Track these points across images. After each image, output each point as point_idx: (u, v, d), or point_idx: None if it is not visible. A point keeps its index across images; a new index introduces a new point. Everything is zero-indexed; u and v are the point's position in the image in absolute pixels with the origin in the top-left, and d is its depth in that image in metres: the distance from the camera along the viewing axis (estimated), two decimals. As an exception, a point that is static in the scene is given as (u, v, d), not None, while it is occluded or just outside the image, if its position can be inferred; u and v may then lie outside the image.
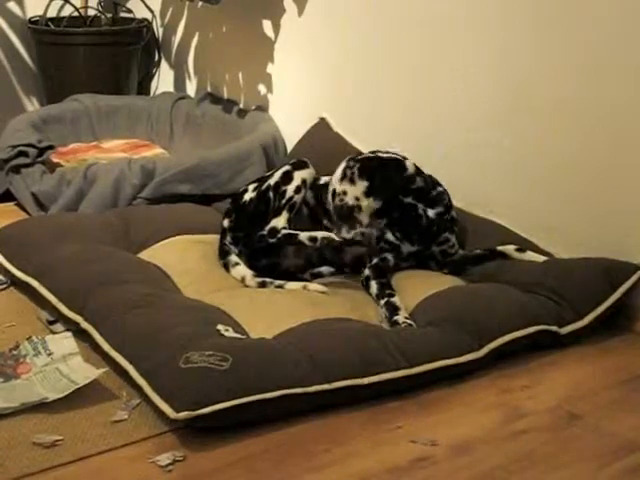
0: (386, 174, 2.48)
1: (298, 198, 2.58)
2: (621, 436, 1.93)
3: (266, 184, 2.63)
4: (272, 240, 2.52)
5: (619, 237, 2.48)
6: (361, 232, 2.46)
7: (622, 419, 2.00)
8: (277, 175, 2.63)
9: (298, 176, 2.60)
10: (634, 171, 2.42)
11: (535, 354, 2.26)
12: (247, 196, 2.65)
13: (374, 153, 2.54)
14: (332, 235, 2.46)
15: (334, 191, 2.48)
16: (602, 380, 2.18)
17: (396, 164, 2.51)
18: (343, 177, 2.47)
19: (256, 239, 2.54)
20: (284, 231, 2.52)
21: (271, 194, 2.60)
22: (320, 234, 2.47)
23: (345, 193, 2.46)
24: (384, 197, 2.47)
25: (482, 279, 2.50)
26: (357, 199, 2.46)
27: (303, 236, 2.48)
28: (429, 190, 2.55)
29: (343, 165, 2.49)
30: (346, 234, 2.45)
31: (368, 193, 2.46)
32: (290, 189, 2.58)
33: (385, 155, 2.53)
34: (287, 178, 2.61)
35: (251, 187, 2.67)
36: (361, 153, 2.98)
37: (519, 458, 1.85)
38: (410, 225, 2.53)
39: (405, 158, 2.54)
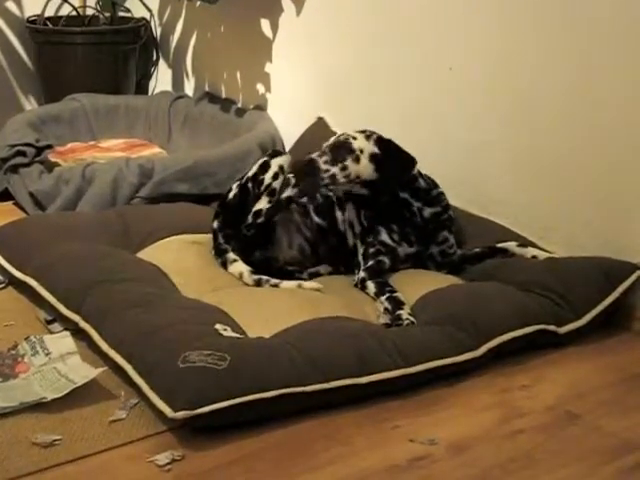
0: (396, 159, 2.48)
1: (277, 184, 2.58)
2: (620, 435, 1.93)
3: (245, 177, 2.64)
4: (260, 220, 2.53)
5: (618, 237, 2.48)
6: (333, 173, 2.42)
7: (621, 418, 2.00)
8: (255, 167, 2.63)
9: (275, 163, 2.60)
10: (634, 170, 2.42)
11: (534, 353, 2.26)
12: (231, 194, 2.66)
13: None
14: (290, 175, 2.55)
15: (343, 134, 2.50)
16: (601, 379, 2.18)
17: (411, 162, 2.51)
18: (361, 131, 2.50)
19: (244, 229, 2.55)
20: (266, 207, 2.54)
21: (250, 185, 2.60)
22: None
23: (355, 139, 2.47)
24: (381, 175, 2.46)
25: (481, 278, 2.49)
26: (361, 151, 2.45)
27: (285, 194, 2.55)
28: (430, 190, 2.55)
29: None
30: (322, 163, 2.44)
31: (373, 158, 2.45)
32: (268, 177, 2.58)
33: (404, 150, 2.53)
34: (264, 167, 2.61)
35: (234, 185, 2.68)
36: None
37: (517, 457, 1.85)
38: (404, 224, 2.53)
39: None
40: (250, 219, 2.55)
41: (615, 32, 2.41)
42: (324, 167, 2.44)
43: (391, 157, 2.47)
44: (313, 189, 2.49)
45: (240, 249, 2.56)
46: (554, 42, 2.55)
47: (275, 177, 2.58)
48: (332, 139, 2.51)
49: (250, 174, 2.62)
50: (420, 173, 2.55)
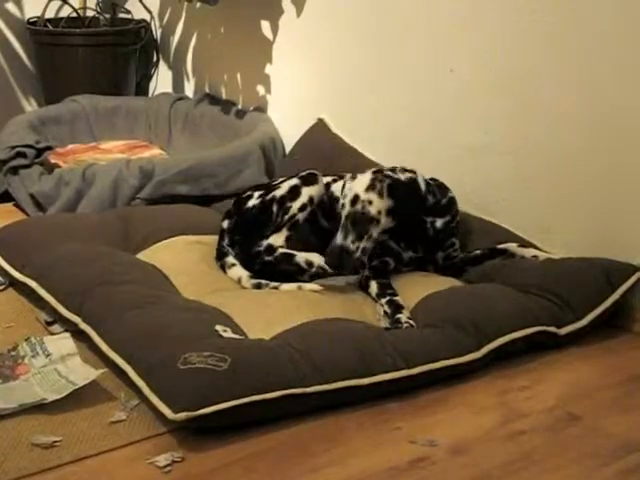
0: (409, 199, 2.44)
1: (301, 216, 2.55)
2: (620, 436, 1.93)
3: (271, 195, 2.59)
4: (268, 258, 2.51)
5: (618, 238, 2.48)
6: (363, 247, 2.40)
7: (621, 419, 2.00)
8: (284, 188, 2.58)
9: (306, 193, 2.56)
10: (634, 171, 2.42)
11: (534, 355, 2.26)
12: (251, 202, 2.61)
13: (394, 170, 2.48)
14: (326, 266, 2.42)
15: (356, 196, 2.40)
16: (601, 380, 2.18)
17: (416, 188, 2.47)
18: (371, 187, 2.40)
19: (253, 254, 2.53)
20: (281, 250, 2.50)
21: (275, 207, 2.56)
22: (317, 261, 2.45)
23: (371, 203, 2.40)
24: (400, 219, 2.44)
25: (481, 280, 2.49)
26: (379, 213, 2.41)
27: (300, 258, 2.47)
28: (439, 201, 2.54)
29: (370, 175, 2.42)
30: (350, 243, 2.38)
31: (389, 212, 2.42)
32: (295, 207, 2.54)
33: (406, 177, 2.46)
34: (294, 193, 2.56)
35: (257, 194, 2.63)
36: (360, 155, 3.02)
37: (518, 458, 1.85)
38: (416, 237, 2.53)
39: (415, 173, 2.50)
40: (263, 248, 2.52)
41: (616, 33, 2.41)
42: (353, 247, 2.38)
43: (403, 201, 2.42)
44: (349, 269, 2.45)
45: (243, 259, 2.55)
46: (555, 43, 2.55)
47: (302, 209, 2.55)
48: (347, 208, 2.39)
49: (278, 194, 2.57)
50: (427, 187, 2.51)
